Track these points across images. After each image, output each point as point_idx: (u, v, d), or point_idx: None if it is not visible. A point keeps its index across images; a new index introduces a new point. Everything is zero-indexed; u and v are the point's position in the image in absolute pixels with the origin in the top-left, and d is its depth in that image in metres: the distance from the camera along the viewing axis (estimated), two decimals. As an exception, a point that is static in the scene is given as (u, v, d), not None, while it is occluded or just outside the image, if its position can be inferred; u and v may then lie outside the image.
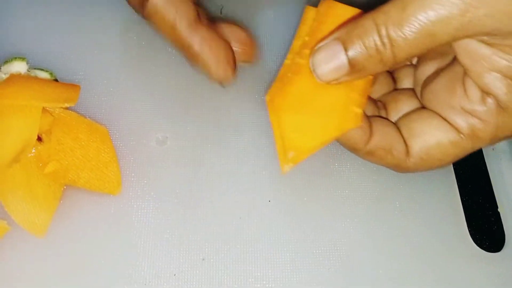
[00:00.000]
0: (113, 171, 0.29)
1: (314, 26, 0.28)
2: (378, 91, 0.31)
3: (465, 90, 0.25)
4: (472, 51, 0.24)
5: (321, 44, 0.26)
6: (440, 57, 0.28)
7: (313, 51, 0.26)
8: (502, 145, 0.34)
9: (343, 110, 0.26)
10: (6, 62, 0.30)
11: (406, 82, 0.31)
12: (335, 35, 0.25)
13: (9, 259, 0.27)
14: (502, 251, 0.30)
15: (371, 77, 0.28)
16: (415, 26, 0.22)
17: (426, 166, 0.28)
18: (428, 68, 0.28)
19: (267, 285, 0.28)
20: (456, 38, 0.23)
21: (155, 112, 0.32)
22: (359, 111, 0.27)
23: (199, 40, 0.28)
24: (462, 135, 0.26)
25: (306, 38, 0.28)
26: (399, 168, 0.28)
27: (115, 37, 0.35)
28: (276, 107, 0.27)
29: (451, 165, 0.33)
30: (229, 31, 0.30)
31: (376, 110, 0.30)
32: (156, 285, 0.27)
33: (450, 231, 0.30)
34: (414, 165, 0.28)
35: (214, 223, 0.29)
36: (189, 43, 0.28)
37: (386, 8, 0.23)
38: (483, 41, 0.24)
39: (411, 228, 0.30)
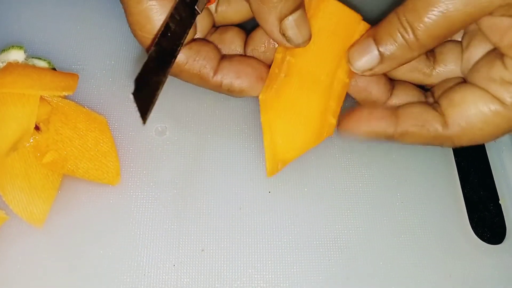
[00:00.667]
0: (112, 161, 0.29)
1: None
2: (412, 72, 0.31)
3: (503, 63, 0.26)
4: (496, 26, 0.26)
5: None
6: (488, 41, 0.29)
7: (349, 47, 0.29)
8: (504, 137, 0.34)
9: (321, 120, 0.29)
10: (3, 50, 0.30)
11: (449, 60, 0.31)
12: (368, 33, 0.28)
13: (7, 249, 0.27)
14: (503, 243, 0.30)
15: (347, 80, 0.29)
16: (432, 12, 0.24)
17: (468, 136, 0.28)
18: (477, 52, 0.29)
19: (266, 276, 0.28)
20: (473, 16, 0.24)
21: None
22: (333, 121, 0.29)
23: (225, 75, 0.29)
24: (504, 105, 0.26)
25: None
26: (440, 140, 0.28)
27: (114, 26, 0.35)
28: (268, 110, 0.29)
29: (453, 157, 0.33)
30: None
31: (423, 96, 0.31)
32: (156, 276, 0.27)
33: (452, 223, 0.30)
34: (455, 135, 0.28)
35: (214, 214, 0.29)
36: (218, 83, 0.29)
37: (406, 1, 0.26)
38: (503, 15, 0.25)
39: (412, 219, 0.30)
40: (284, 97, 0.29)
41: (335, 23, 0.29)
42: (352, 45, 0.29)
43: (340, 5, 0.29)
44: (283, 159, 0.29)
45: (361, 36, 0.29)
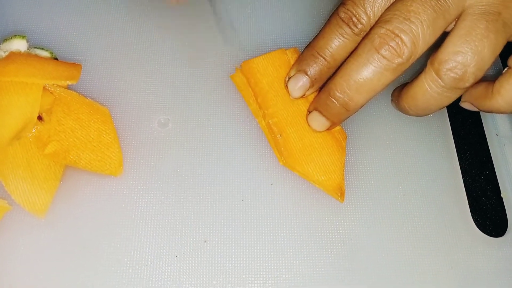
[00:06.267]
0: (114, 152, 0.29)
1: (254, 86, 0.32)
2: None
3: None
4: None
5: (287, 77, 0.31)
6: None
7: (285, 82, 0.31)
8: (506, 130, 0.34)
9: (333, 138, 0.31)
10: (5, 39, 0.30)
11: None
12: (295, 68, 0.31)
13: (9, 239, 0.27)
14: (505, 235, 0.30)
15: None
16: None
17: None
18: None
19: (269, 268, 0.28)
20: None
21: (157, 94, 0.32)
22: (338, 128, 0.31)
23: None
24: None
25: (258, 100, 0.31)
26: None
27: (117, 18, 0.35)
28: (295, 166, 0.30)
29: (455, 150, 0.33)
30: None
31: None
32: (158, 267, 0.27)
33: (453, 216, 0.30)
34: None
35: (216, 205, 0.29)
36: None
37: None
38: None
39: (414, 212, 0.30)
40: (295, 149, 0.30)
41: (278, 67, 0.32)
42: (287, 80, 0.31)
43: (261, 58, 0.32)
44: (339, 184, 0.30)
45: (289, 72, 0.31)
